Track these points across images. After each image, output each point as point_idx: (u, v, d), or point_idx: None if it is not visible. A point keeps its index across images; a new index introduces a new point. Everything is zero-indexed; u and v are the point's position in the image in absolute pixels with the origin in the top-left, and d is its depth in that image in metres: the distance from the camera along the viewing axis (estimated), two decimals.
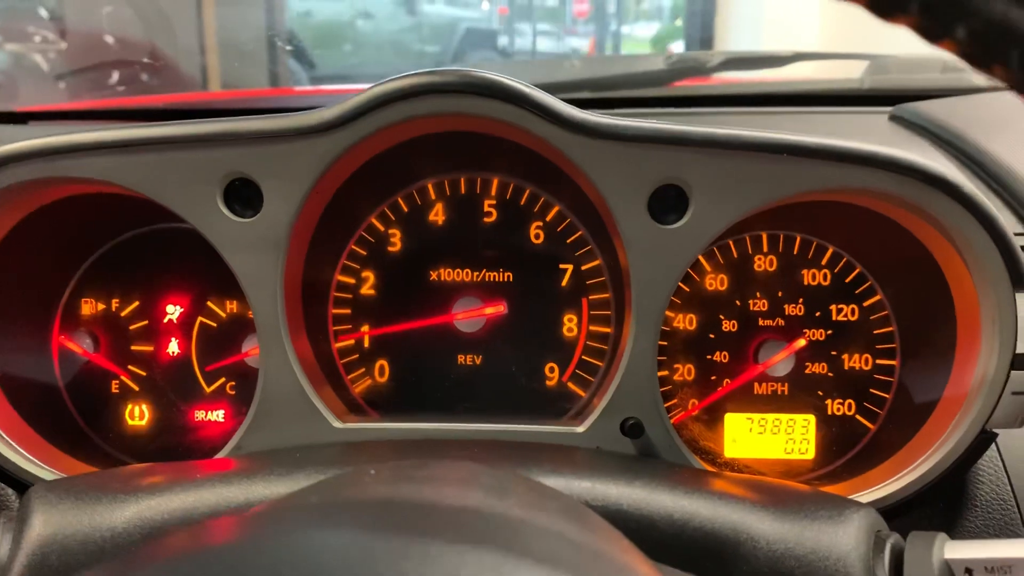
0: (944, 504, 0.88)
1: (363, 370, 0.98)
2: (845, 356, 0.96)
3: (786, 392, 0.97)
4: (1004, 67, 0.35)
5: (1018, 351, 0.78)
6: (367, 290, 0.97)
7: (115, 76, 2.15)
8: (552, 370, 0.97)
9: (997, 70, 0.36)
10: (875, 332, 0.96)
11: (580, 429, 0.86)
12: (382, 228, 0.97)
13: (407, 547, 0.38)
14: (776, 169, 0.80)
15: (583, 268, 0.97)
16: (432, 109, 0.80)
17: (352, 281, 0.97)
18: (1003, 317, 0.78)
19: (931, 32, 0.36)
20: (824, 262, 0.97)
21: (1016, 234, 0.82)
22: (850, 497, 0.83)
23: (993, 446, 0.87)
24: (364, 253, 0.97)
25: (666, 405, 0.95)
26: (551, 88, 0.83)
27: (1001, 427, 0.81)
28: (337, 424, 0.86)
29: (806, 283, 0.97)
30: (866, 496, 0.84)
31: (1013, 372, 0.78)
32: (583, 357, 0.97)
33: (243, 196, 0.84)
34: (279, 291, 0.85)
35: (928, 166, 0.78)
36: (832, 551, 0.65)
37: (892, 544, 0.65)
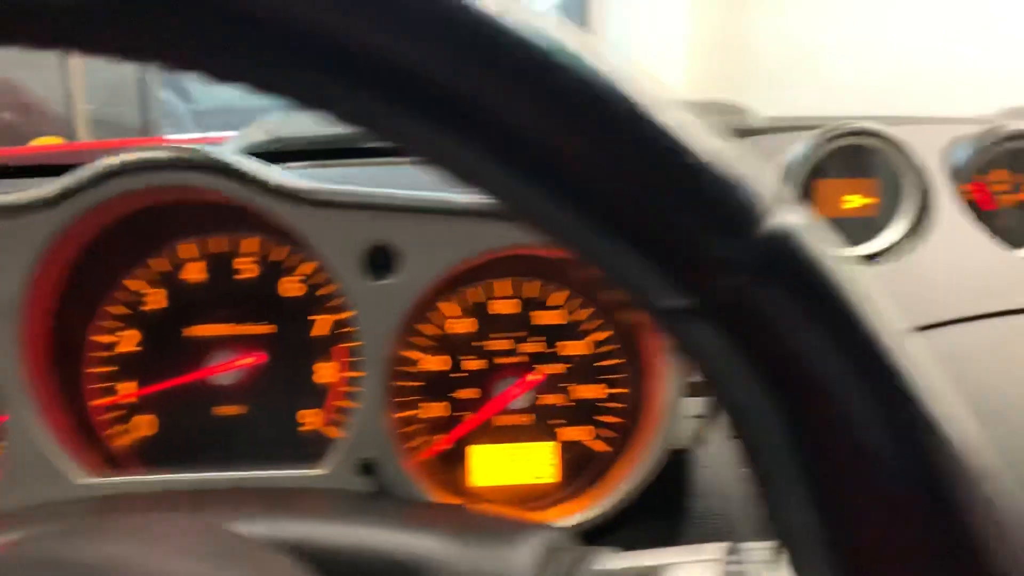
0: (667, 519, 0.98)
1: (124, 426, 1.02)
2: (580, 387, 1.06)
3: (528, 423, 1.05)
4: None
5: (689, 380, 0.89)
6: (124, 348, 1.02)
7: None
8: (308, 416, 1.04)
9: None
10: (604, 364, 1.06)
11: (321, 472, 0.93)
12: (135, 288, 1.01)
13: None
14: (471, 229, 0.88)
15: (335, 319, 1.03)
16: (148, 183, 0.86)
17: (109, 340, 1.01)
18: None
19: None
20: (562, 303, 1.06)
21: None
22: (565, 518, 0.92)
23: (714, 461, 0.97)
24: (119, 312, 1.01)
25: (412, 444, 1.02)
26: (307, 142, 0.89)
27: (683, 447, 0.91)
28: (80, 480, 0.90)
29: (544, 323, 1.06)
30: (578, 516, 0.93)
31: (684, 399, 0.89)
32: (336, 403, 1.04)
33: None
34: (16, 358, 0.89)
35: None
36: (504, 573, 0.73)
37: (565, 561, 0.74)
